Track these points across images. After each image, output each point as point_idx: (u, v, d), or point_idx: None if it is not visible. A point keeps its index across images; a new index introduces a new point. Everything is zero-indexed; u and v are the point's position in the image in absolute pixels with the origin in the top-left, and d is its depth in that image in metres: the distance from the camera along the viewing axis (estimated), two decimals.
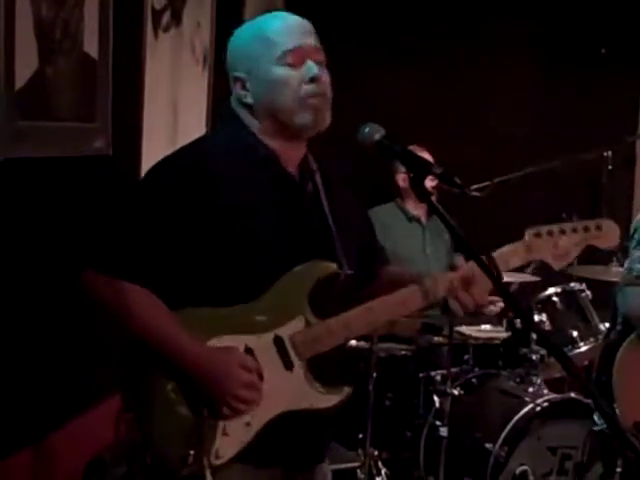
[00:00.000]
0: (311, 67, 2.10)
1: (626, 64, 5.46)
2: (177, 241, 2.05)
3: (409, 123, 5.06)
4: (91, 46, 3.29)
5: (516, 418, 3.88)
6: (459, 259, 2.06)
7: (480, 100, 5.44)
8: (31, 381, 3.17)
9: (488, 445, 3.87)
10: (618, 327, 2.97)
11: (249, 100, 2.13)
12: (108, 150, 3.50)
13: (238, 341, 2.07)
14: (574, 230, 2.18)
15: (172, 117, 4.08)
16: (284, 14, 2.19)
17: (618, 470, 3.19)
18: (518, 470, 3.81)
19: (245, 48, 2.15)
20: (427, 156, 4.72)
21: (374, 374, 4.07)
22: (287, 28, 2.14)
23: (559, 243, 2.16)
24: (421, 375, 4.27)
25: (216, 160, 2.10)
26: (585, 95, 5.38)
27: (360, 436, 4.08)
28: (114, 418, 3.63)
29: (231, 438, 2.05)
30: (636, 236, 2.90)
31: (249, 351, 2.07)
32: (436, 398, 4.14)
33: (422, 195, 1.98)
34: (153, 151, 3.79)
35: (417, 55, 5.48)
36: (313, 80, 2.09)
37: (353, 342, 4.07)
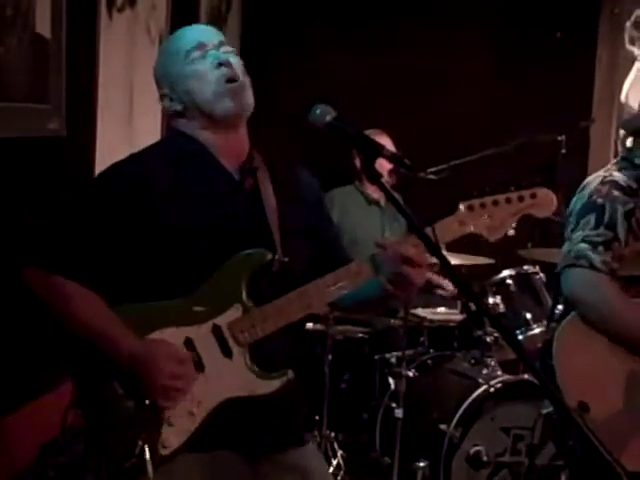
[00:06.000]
0: (214, 54, 2.18)
1: (581, 48, 5.51)
2: (116, 240, 2.12)
3: (367, 107, 5.08)
4: (43, 26, 3.26)
5: (470, 399, 3.92)
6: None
7: (436, 84, 5.46)
8: None
9: (443, 426, 3.90)
10: (558, 309, 2.99)
11: (178, 107, 2.22)
12: (62, 131, 3.48)
13: (178, 333, 2.10)
14: (508, 200, 2.14)
15: (127, 98, 4.05)
16: (187, 27, 2.29)
17: None
18: (472, 450, 3.86)
19: (161, 66, 2.26)
20: (387, 140, 4.73)
21: (330, 356, 4.10)
22: (187, 32, 2.26)
23: (493, 215, 2.13)
24: (376, 357, 4.30)
25: (158, 165, 2.17)
26: (540, 79, 5.42)
27: (316, 418, 4.10)
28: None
29: (176, 428, 2.08)
30: (571, 219, 2.91)
31: (189, 341, 2.10)
32: (391, 380, 4.17)
33: (372, 177, 1.99)
34: (108, 132, 3.77)
35: (374, 39, 5.49)
36: (221, 65, 2.17)
37: (310, 325, 4.09)
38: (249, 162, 2.23)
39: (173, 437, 2.08)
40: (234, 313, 2.12)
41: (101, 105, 3.78)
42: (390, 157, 1.98)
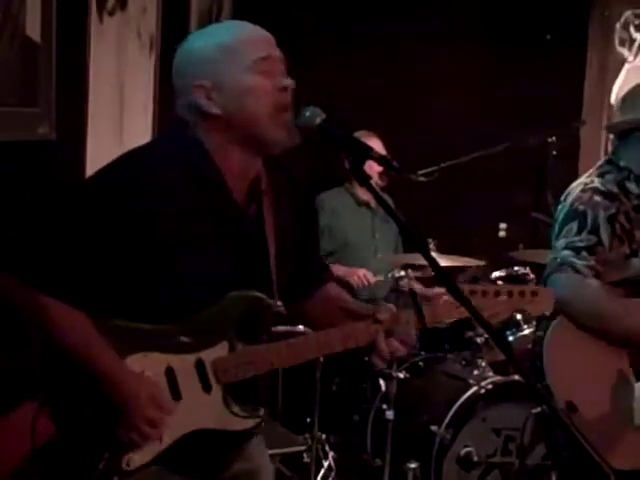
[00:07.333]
0: (284, 77, 2.08)
1: (571, 50, 5.53)
2: (110, 260, 2.02)
3: (359, 109, 5.08)
4: (33, 30, 3.25)
5: (461, 400, 3.93)
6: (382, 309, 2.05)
7: (428, 86, 5.47)
8: None
9: (433, 427, 3.91)
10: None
11: (215, 110, 2.05)
12: (52, 135, 3.47)
13: (161, 359, 2.08)
14: (509, 294, 2.15)
15: (118, 102, 4.05)
16: (246, 23, 2.14)
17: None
18: (463, 451, 3.87)
19: (208, 56, 2.06)
20: (377, 142, 4.73)
21: (321, 359, 4.10)
22: (255, 37, 2.10)
23: (491, 304, 2.13)
24: (367, 359, 4.30)
25: (158, 179, 2.03)
26: (530, 81, 5.44)
27: (308, 420, 4.11)
28: None
29: (143, 450, 2.08)
30: (556, 227, 2.95)
31: (170, 370, 2.08)
32: (382, 382, 4.17)
33: (361, 179, 2.00)
34: (98, 136, 3.76)
35: (367, 41, 5.49)
36: (285, 89, 2.07)
37: (301, 327, 4.09)
38: (256, 185, 2.16)
39: (138, 457, 2.08)
40: (220, 351, 2.10)
41: (91, 109, 3.78)
42: (378, 159, 1.99)
